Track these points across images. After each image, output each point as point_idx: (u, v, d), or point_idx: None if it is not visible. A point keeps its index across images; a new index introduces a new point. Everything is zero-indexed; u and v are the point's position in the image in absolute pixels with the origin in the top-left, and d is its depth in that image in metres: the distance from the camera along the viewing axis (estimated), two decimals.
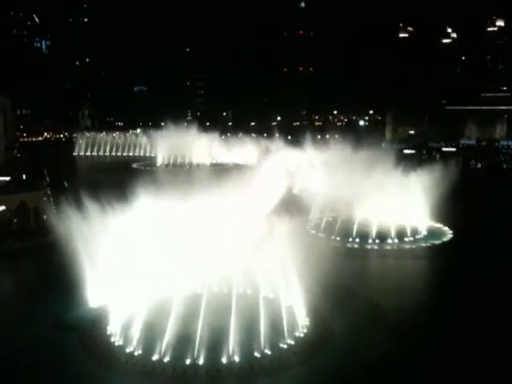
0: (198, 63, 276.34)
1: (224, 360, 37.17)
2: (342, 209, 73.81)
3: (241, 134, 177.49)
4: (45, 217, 75.91)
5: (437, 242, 71.66)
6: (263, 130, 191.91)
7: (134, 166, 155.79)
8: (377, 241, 70.00)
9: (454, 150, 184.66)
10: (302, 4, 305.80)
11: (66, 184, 52.70)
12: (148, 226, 44.68)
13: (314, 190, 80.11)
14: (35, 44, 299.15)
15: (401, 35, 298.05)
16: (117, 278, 44.13)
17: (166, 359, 37.44)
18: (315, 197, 78.57)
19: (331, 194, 75.42)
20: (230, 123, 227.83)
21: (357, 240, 70.43)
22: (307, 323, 42.98)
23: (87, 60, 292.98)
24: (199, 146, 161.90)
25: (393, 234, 70.87)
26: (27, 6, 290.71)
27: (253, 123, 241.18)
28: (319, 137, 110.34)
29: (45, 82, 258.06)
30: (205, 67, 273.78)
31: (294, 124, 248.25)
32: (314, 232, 74.60)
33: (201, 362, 36.96)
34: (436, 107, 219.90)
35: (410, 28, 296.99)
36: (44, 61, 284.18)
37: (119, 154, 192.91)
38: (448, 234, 74.76)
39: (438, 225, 76.69)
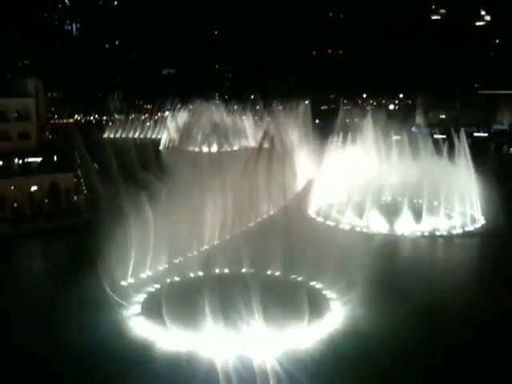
0: (227, 46, 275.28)
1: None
2: (367, 194, 72.98)
3: (268, 118, 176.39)
4: (75, 198, 77.50)
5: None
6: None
7: (161, 148, 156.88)
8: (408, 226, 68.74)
9: (485, 135, 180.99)
10: None
11: (96, 165, 53.43)
12: (180, 205, 44.98)
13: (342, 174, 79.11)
14: (66, 27, 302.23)
15: (433, 17, 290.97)
16: (147, 258, 44.86)
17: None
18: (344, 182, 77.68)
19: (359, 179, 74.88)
20: (258, 107, 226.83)
21: (387, 226, 69.20)
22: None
23: (117, 43, 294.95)
24: (226, 129, 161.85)
25: (421, 217, 69.54)
26: None
27: (280, 107, 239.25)
28: (347, 120, 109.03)
29: (75, 65, 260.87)
30: (232, 50, 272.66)
31: (322, 108, 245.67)
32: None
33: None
34: (468, 91, 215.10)
35: (442, 10, 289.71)
36: (74, 44, 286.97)
37: (148, 136, 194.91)
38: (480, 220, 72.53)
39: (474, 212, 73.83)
